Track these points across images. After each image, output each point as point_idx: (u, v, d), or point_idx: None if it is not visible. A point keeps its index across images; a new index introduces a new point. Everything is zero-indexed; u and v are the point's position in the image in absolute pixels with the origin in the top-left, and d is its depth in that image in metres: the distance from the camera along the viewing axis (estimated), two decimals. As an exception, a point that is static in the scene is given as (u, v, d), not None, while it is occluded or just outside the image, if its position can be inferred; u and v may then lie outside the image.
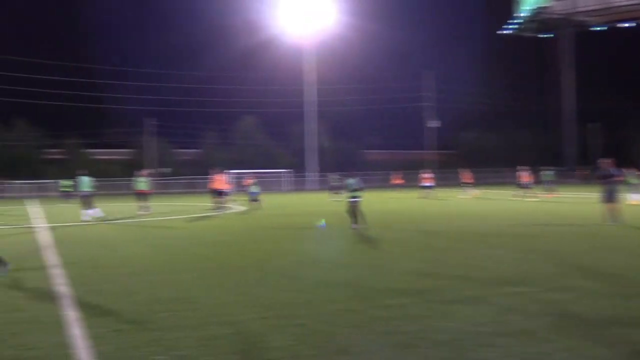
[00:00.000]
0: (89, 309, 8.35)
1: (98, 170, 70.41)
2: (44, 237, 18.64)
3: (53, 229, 21.50)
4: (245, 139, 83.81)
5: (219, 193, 28.68)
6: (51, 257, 13.77)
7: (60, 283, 10.34)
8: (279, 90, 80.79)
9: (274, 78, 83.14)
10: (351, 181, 19.69)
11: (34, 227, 22.31)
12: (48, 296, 9.37)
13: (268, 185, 65.09)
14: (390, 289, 9.51)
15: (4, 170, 60.27)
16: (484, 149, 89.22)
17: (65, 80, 74.68)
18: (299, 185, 66.87)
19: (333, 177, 47.04)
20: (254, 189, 30.64)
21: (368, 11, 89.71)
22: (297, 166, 70.78)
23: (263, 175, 65.73)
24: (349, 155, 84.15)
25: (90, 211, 25.02)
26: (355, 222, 18.92)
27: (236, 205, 33.42)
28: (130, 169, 48.49)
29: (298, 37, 70.65)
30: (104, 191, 60.76)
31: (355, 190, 19.26)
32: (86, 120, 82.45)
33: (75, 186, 25.49)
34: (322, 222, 20.58)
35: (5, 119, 76.09)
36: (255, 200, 30.06)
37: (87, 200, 25.40)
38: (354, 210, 19.08)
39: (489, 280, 10.20)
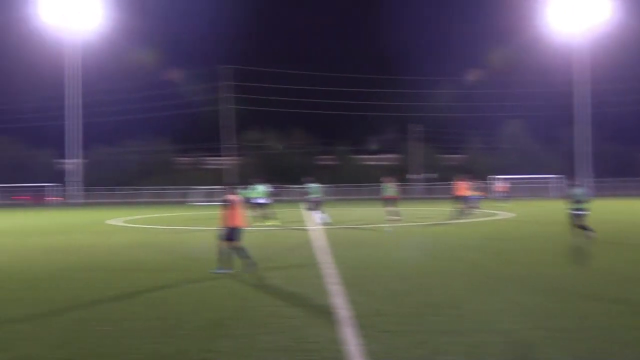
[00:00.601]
0: (360, 308, 8.64)
1: (366, 176, 73.59)
2: (317, 238, 19.78)
3: (325, 230, 22.73)
4: (510, 144, 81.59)
5: (463, 200, 28.29)
6: (324, 257, 14.55)
7: (333, 282, 10.86)
8: (547, 92, 77.37)
9: (541, 80, 79.82)
10: (577, 190, 17.43)
11: (308, 229, 23.77)
12: (322, 294, 9.88)
13: (534, 191, 62.62)
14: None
15: (283, 175, 65.28)
16: None
17: (336, 90, 78.97)
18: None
19: (573, 184, 43.86)
20: (473, 194, 29.83)
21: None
22: (567, 171, 67.12)
23: (529, 181, 63.48)
24: (628, 160, 77.70)
25: (319, 214, 26.29)
26: (584, 232, 16.92)
27: (494, 211, 32.73)
28: (396, 174, 49.68)
29: (567, 36, 67.00)
30: (372, 196, 63.20)
31: (579, 201, 17.05)
32: (355, 128, 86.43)
33: (317, 191, 26.93)
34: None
35: (285, 128, 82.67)
36: (473, 206, 29.28)
37: (315, 205, 26.72)
38: (576, 223, 17.02)
39: None
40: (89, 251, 17.06)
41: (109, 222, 31.30)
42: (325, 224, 25.56)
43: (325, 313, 8.46)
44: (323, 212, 26.94)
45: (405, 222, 26.35)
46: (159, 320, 8.24)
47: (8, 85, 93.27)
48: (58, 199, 69.40)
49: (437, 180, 72.71)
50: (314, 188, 27.10)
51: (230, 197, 12.60)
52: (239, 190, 14.24)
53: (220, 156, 79.34)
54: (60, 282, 11.69)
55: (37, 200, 68.97)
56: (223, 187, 13.37)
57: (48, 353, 6.79)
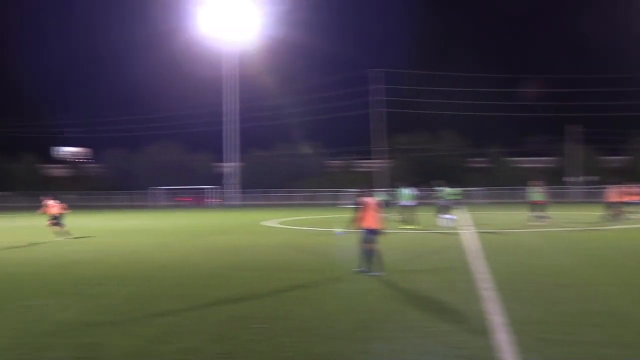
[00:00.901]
0: (514, 315, 8.35)
1: (520, 179, 71.09)
2: (471, 242, 19.36)
3: (479, 234, 22.21)
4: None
5: (617, 205, 26.50)
6: (473, 261, 14.21)
7: (487, 287, 10.57)
8: None
9: None
10: None
11: (455, 232, 23.27)
12: (474, 298, 9.65)
13: None
14: None
15: (434, 178, 64.43)
16: None
17: (488, 91, 77.02)
18: None
19: None
20: (631, 199, 27.81)
21: None
22: None
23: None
24: None
25: (447, 217, 26.15)
26: None
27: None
28: (552, 177, 47.62)
29: None
30: (526, 199, 60.89)
31: None
32: (509, 129, 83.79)
33: (449, 194, 26.64)
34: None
35: (435, 130, 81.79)
36: (631, 212, 27.30)
37: (446, 208, 26.58)
38: None
39: None
40: (245, 251, 17.77)
41: (264, 223, 32.40)
42: (454, 226, 25.14)
43: (477, 318, 8.25)
44: (454, 215, 26.65)
45: (560, 227, 25.15)
46: (311, 319, 8.40)
47: (171, 93, 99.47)
48: (217, 200, 72.73)
49: (598, 183, 68.85)
50: (445, 191, 26.93)
51: (364, 199, 12.62)
52: (375, 193, 14.21)
53: (370, 159, 79.84)
54: (217, 280, 12.25)
55: (198, 202, 72.70)
56: (357, 190, 13.37)
57: (207, 347, 7.12)
